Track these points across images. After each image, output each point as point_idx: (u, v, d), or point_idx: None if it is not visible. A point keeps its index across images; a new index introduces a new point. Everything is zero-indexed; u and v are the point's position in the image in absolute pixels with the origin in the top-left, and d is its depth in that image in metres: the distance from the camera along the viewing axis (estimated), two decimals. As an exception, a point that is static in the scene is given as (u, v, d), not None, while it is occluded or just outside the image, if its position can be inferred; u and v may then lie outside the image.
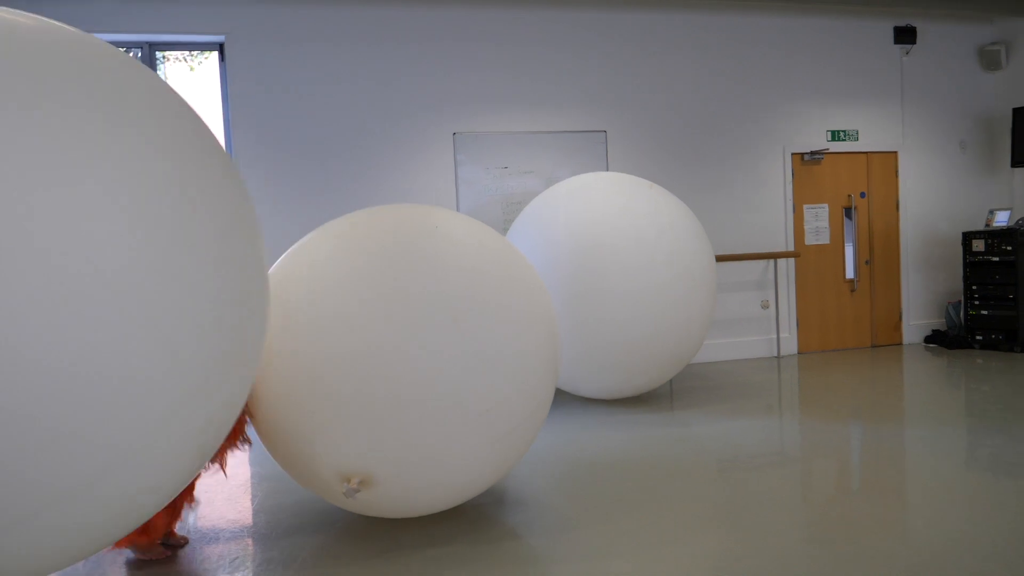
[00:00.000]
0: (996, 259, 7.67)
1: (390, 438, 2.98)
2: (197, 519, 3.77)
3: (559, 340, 3.60)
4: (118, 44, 6.94)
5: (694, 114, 7.67)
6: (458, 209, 7.05)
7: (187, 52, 15.96)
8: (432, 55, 7.01)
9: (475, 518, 3.56)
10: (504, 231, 7.10)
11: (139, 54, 6.60)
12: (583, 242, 5.25)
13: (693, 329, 5.43)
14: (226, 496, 4.14)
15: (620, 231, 5.25)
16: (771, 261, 7.88)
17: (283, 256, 3.50)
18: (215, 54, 6.83)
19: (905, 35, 8.20)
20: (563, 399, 6.14)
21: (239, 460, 4.81)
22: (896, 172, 8.34)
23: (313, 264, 3.25)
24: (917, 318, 8.48)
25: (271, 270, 3.49)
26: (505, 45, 7.18)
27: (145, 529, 3.11)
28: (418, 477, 3.08)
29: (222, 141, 6.79)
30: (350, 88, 6.83)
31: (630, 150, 7.48)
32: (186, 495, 3.29)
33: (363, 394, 2.94)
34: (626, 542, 3.21)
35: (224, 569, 3.15)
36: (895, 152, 8.32)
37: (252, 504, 4.01)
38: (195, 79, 18.29)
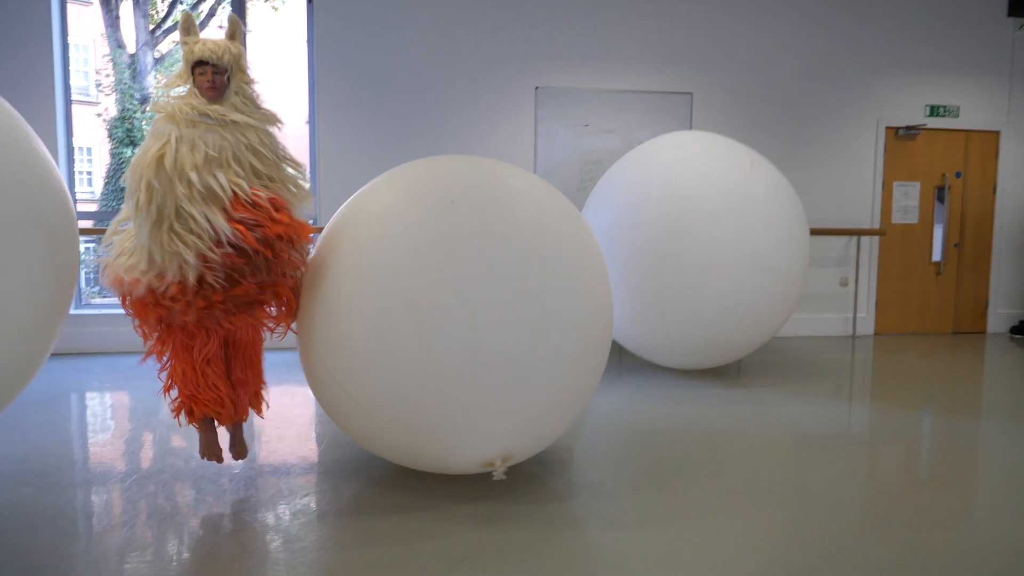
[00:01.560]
0: (1097, 251, 7.27)
1: (451, 393, 2.96)
2: (259, 448, 3.84)
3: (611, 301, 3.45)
4: (209, -20, 6.97)
5: (784, 80, 7.39)
6: (535, 165, 6.95)
7: (273, -7, 15.98)
8: (519, 7, 6.88)
9: (526, 480, 3.52)
10: (581, 189, 6.99)
11: (229, -9, 6.61)
12: (672, 206, 5.10)
13: (781, 304, 5.26)
14: (292, 433, 4.19)
15: (712, 197, 5.07)
16: (854, 237, 7.61)
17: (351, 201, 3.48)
18: (303, -5, 6.81)
19: (1020, 8, 7.73)
20: (634, 365, 6.05)
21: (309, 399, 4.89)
22: (996, 153, 7.93)
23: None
24: (1005, 307, 8.12)
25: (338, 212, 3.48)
26: (592, 0, 7.00)
27: (220, 403, 3.19)
28: (473, 434, 3.06)
29: (306, 82, 6.80)
30: (435, 36, 6.75)
31: (715, 114, 7.26)
32: (247, 393, 3.34)
33: (423, 347, 2.91)
34: (675, 513, 3.14)
35: (259, 508, 3.19)
36: (997, 132, 7.91)
37: (309, 444, 4.06)
38: (278, 19, 18.34)
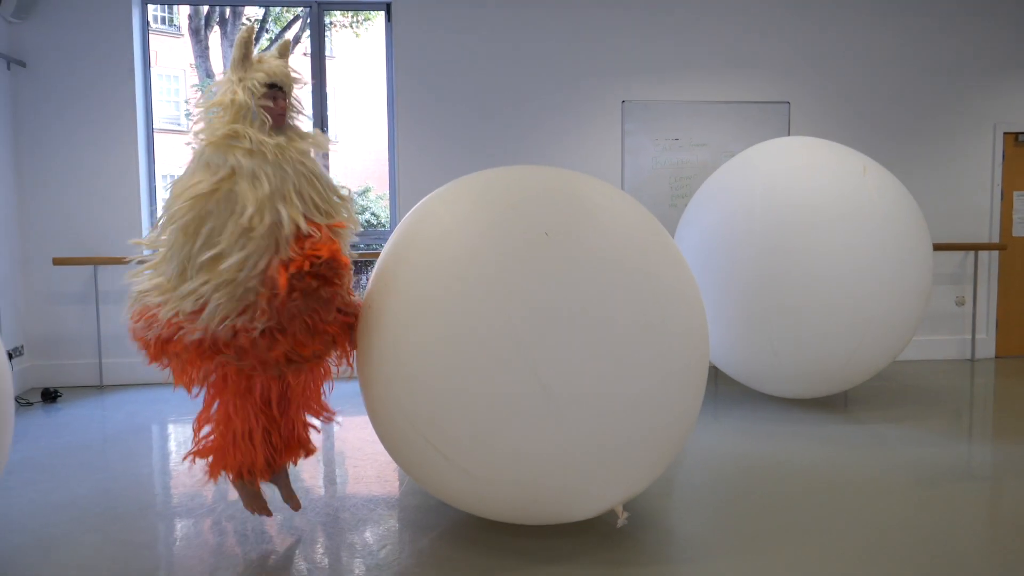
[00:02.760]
0: None
1: (574, 443, 2.67)
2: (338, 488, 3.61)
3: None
4: (285, 5, 6.91)
5: (888, 86, 6.89)
6: (622, 181, 6.63)
7: (353, 17, 16.16)
8: (603, 18, 6.59)
9: (606, 532, 3.18)
10: (672, 207, 6.63)
11: (307, 14, 6.52)
12: (778, 217, 4.70)
13: (903, 326, 4.79)
14: (372, 472, 3.97)
15: (823, 206, 4.65)
16: (971, 252, 7.02)
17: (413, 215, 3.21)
18: (382, 15, 6.66)
19: None
20: (732, 392, 5.65)
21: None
22: None
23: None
24: None
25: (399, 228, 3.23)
26: (679, 7, 6.65)
27: (250, 460, 2.91)
28: (552, 481, 2.74)
29: (386, 101, 6.65)
30: (517, 51, 6.52)
31: (815, 123, 6.81)
32: (298, 443, 3.08)
33: (485, 373, 2.64)
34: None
35: (334, 559, 2.95)
36: None
37: (390, 484, 3.82)
38: (360, 44, 18.52)
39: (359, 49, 20.32)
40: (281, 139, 2.84)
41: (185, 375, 2.84)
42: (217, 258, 2.68)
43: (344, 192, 3.04)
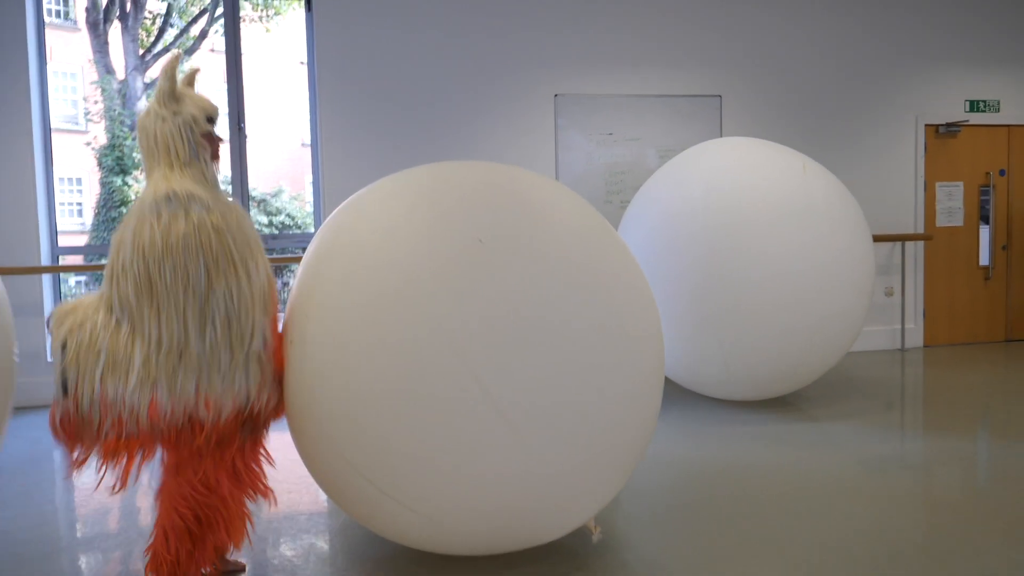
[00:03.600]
0: None
1: (539, 465, 2.44)
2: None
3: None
4: (199, -8, 6.49)
5: (817, 79, 6.92)
6: (557, 178, 6.46)
7: (263, 11, 15.57)
8: (534, 10, 6.40)
9: (560, 557, 2.98)
10: (607, 203, 6.49)
11: (221, 6, 6.13)
12: (721, 219, 4.59)
13: (852, 320, 4.75)
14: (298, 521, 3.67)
15: (766, 206, 4.56)
16: (898, 244, 7.11)
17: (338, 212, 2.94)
18: (294, 7, 6.30)
19: (1061, -6, 7.28)
20: (679, 397, 5.52)
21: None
22: (1042, 148, 7.46)
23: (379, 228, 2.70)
24: (1057, 312, 7.62)
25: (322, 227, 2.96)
26: (610, 1, 6.53)
27: (191, 551, 2.55)
28: (502, 507, 2.52)
29: (308, 97, 6.31)
30: (445, 43, 6.27)
31: (746, 117, 6.78)
32: (239, 518, 2.73)
33: (432, 400, 2.39)
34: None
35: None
36: (1042, 126, 7.43)
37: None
38: (270, 40, 17.95)
39: (268, 45, 19.67)
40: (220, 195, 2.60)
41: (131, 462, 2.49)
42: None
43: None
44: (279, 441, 2.87)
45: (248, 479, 2.66)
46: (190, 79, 2.68)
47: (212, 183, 2.57)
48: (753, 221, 4.54)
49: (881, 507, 3.32)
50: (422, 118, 6.26)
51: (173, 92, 2.57)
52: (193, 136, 2.54)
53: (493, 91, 6.36)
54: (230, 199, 2.62)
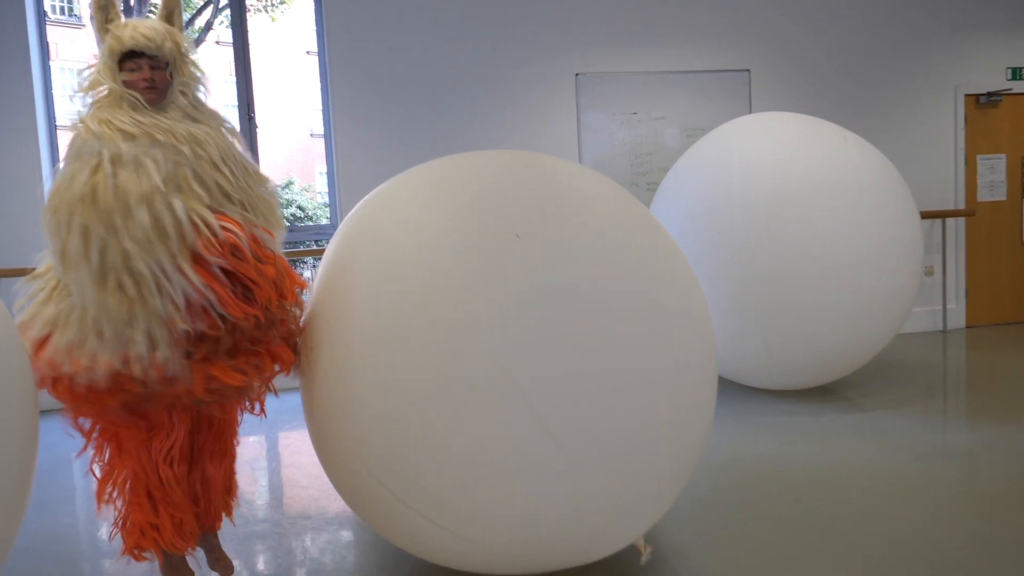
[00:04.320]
0: None
1: (588, 484, 2.20)
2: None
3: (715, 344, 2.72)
4: (203, -23, 6.24)
5: (849, 50, 6.59)
6: (580, 160, 6.19)
7: (268, 1, 15.27)
8: (551, -16, 6.11)
9: (607, 574, 2.74)
10: (633, 185, 6.22)
11: (226, -13, 5.87)
12: (761, 198, 4.31)
13: (901, 302, 4.46)
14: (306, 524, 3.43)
15: (807, 183, 4.28)
16: (938, 220, 6.79)
17: (359, 208, 2.71)
18: (309, -14, 6.06)
19: (1105, -48, 6.91)
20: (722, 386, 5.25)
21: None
22: (1086, 116, 7.11)
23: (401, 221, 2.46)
24: (1105, 287, 7.29)
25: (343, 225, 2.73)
26: (633, -29, 6.22)
27: (178, 526, 2.36)
28: (546, 526, 2.27)
29: (319, 85, 6.05)
30: (459, 23, 5.98)
31: (777, 91, 6.47)
32: (219, 492, 2.52)
33: (471, 414, 2.15)
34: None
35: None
36: (1086, 92, 7.08)
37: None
38: (275, 29, 17.65)
39: (274, 35, 19.44)
40: (164, 120, 2.27)
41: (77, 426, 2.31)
42: (103, 275, 2.11)
43: (268, 179, 2.48)
44: (300, 442, 2.65)
45: (210, 460, 2.44)
46: (165, 10, 2.44)
47: (150, 125, 2.26)
48: (793, 200, 4.27)
49: (941, 503, 3.06)
50: (438, 102, 5.99)
51: (100, 29, 2.39)
52: (115, 76, 2.32)
53: (510, 72, 6.08)
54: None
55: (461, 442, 2.15)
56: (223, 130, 2.39)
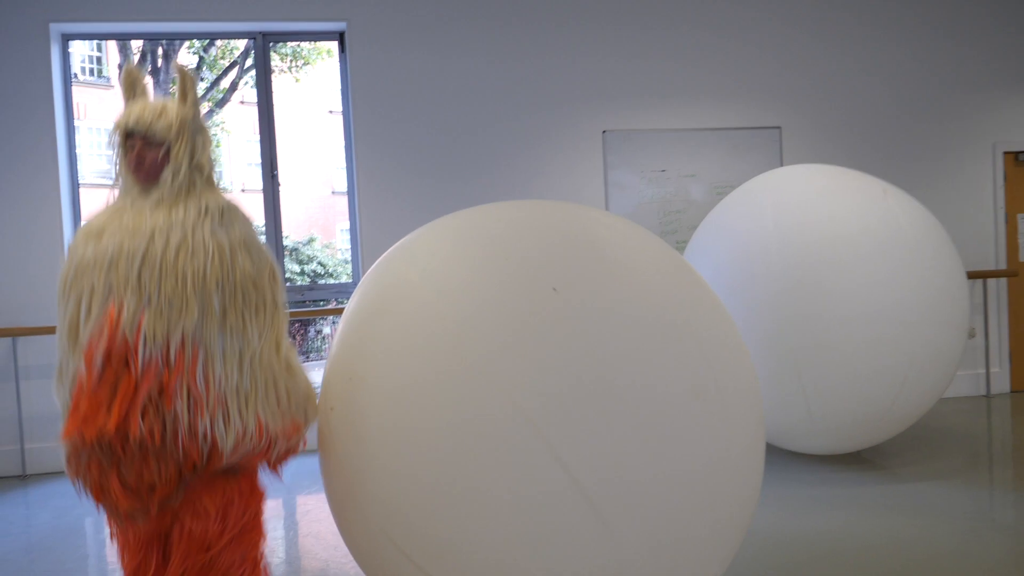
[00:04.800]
0: None
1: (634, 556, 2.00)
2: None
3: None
4: (228, 34, 6.25)
5: (884, 108, 6.46)
6: (608, 219, 6.04)
7: (291, 61, 15.50)
8: (578, 41, 6.05)
9: None
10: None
11: (252, 45, 5.85)
12: (799, 252, 4.15)
13: (947, 362, 4.25)
14: None
15: (848, 236, 4.11)
16: (978, 280, 6.57)
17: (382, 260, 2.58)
18: (324, 57, 6.02)
19: None
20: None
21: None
22: None
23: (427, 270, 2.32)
24: None
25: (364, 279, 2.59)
26: (660, 29, 6.16)
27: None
28: None
29: (343, 139, 5.99)
30: (485, 79, 5.92)
31: (808, 149, 6.34)
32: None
33: (503, 480, 1.98)
34: None
35: None
36: None
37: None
38: (298, 90, 17.87)
39: (297, 95, 19.68)
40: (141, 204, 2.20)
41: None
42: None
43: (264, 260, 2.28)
44: (318, 509, 2.47)
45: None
46: (180, 87, 2.32)
47: (122, 206, 2.22)
48: (833, 253, 4.10)
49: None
50: (462, 161, 5.89)
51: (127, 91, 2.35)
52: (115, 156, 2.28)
53: (537, 129, 5.99)
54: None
55: (492, 508, 1.98)
56: (210, 222, 2.19)
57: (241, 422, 2.09)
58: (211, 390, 2.05)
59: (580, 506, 1.96)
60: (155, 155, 2.20)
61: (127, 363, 2.00)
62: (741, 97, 6.26)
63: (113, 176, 2.27)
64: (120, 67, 13.63)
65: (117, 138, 2.25)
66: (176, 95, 2.29)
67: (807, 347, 4.08)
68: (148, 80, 2.51)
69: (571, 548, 1.99)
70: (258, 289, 2.19)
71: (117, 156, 2.25)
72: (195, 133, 2.28)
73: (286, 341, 2.28)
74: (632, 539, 2.01)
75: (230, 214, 2.24)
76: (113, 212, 2.19)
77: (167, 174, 2.21)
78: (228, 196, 2.31)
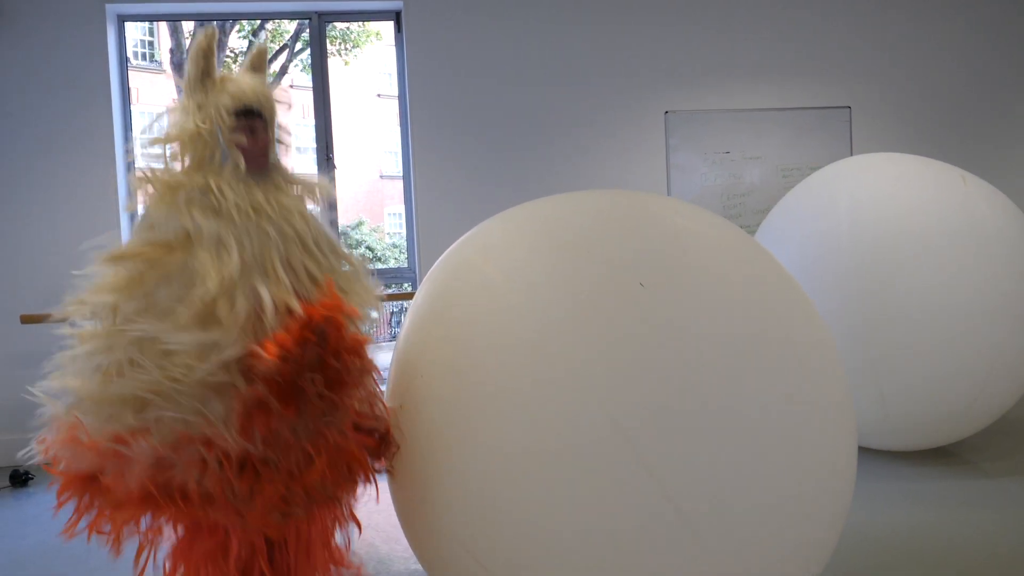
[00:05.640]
0: None
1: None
2: None
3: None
4: (284, 14, 6.18)
5: (960, 87, 6.16)
6: (669, 203, 5.87)
7: (341, 44, 15.46)
8: (639, 22, 5.85)
9: None
10: (725, 229, 5.86)
11: (307, 25, 5.76)
12: (876, 242, 3.95)
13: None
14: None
15: (927, 225, 3.91)
16: (1059, 267, 6.25)
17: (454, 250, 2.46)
18: (375, 37, 5.92)
19: None
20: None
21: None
22: None
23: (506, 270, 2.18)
24: None
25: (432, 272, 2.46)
26: (725, 5, 5.93)
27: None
28: None
29: (399, 123, 5.89)
30: (543, 60, 5.76)
31: (880, 130, 6.07)
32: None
33: (586, 487, 1.86)
34: None
35: None
36: None
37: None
38: (349, 73, 17.86)
39: (346, 78, 19.68)
40: (258, 192, 2.00)
41: (116, 528, 1.95)
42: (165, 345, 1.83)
43: (356, 257, 2.22)
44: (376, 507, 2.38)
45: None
46: (256, 60, 2.16)
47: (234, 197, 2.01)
48: (911, 246, 3.89)
49: None
50: (520, 143, 5.75)
51: (200, 78, 2.07)
52: (222, 135, 2.02)
53: (597, 110, 5.82)
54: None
55: (575, 517, 1.86)
56: (313, 199, 2.13)
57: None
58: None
59: (666, 512, 1.84)
60: (266, 137, 2.08)
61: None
62: (808, 76, 6.02)
63: (220, 159, 2.06)
64: (171, 52, 13.70)
65: (228, 116, 2.04)
66: (249, 67, 2.16)
67: (883, 344, 3.90)
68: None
69: (654, 555, 1.87)
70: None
71: (218, 129, 2.04)
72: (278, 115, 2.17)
73: None
74: (721, 547, 1.89)
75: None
76: (244, 188, 2.02)
77: (274, 157, 2.10)
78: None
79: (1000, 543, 3.22)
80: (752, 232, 5.60)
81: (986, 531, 3.34)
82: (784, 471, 1.95)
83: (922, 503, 3.74)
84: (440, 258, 2.53)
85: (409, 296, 5.59)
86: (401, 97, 5.82)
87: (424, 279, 2.50)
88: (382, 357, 2.30)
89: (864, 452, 4.57)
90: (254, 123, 2.03)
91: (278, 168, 2.12)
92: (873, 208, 4.06)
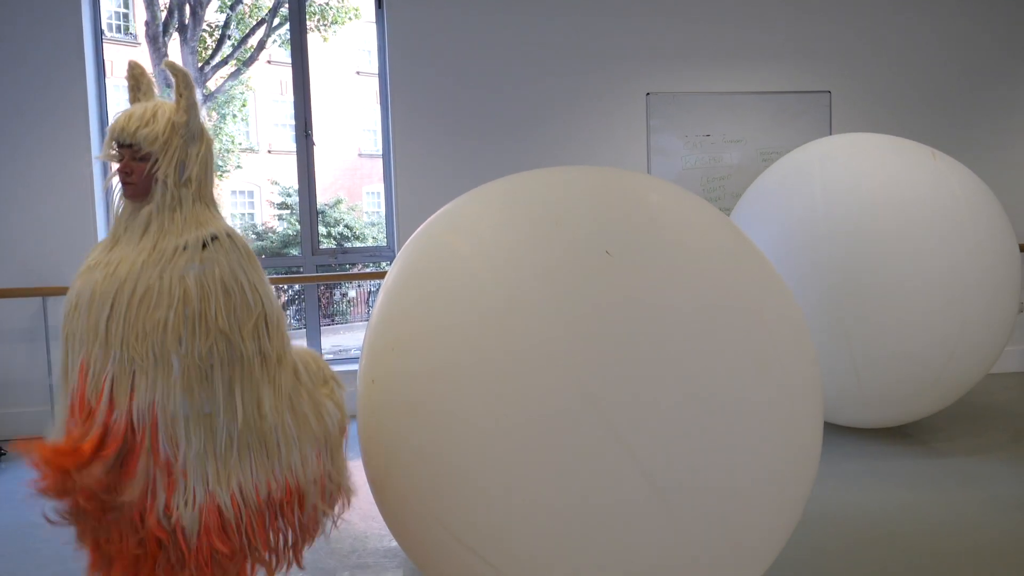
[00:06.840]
0: None
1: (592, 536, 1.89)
2: None
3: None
4: (263, -10, 6.08)
5: (939, 73, 6.21)
6: (649, 184, 5.88)
7: (319, 19, 15.25)
8: (623, 1, 5.83)
9: None
10: (704, 212, 5.89)
11: (278, 17, 5.69)
12: (849, 219, 4.03)
13: (997, 333, 4.15)
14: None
15: (899, 210, 3.98)
16: (1030, 254, 6.35)
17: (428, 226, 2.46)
18: (361, 10, 5.86)
19: None
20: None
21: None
22: None
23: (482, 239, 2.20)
24: None
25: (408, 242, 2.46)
26: (708, -13, 5.93)
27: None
28: None
29: (379, 100, 5.84)
30: (525, 39, 5.73)
31: (859, 115, 6.11)
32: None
33: (550, 453, 1.89)
34: None
35: None
36: None
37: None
38: (327, 50, 17.68)
39: (324, 55, 19.47)
40: (136, 238, 2.01)
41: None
42: None
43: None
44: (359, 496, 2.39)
45: None
46: (177, 85, 2.02)
47: (118, 230, 2.08)
48: (882, 223, 3.99)
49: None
50: (501, 123, 5.73)
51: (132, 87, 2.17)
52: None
53: (579, 90, 5.81)
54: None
55: (546, 487, 1.88)
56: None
57: (206, 495, 1.89)
58: (178, 459, 1.88)
59: (636, 481, 1.87)
60: (142, 168, 1.97)
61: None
62: (789, 60, 6.04)
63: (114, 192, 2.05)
64: (147, 24, 13.49)
65: (108, 149, 2.02)
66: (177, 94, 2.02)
67: (855, 317, 3.99)
68: (153, 79, 2.32)
69: (624, 523, 1.90)
70: (232, 345, 1.93)
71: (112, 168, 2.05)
72: (188, 142, 1.99)
73: (287, 390, 2.06)
74: (689, 515, 1.93)
75: (217, 247, 1.97)
76: (110, 238, 2.04)
77: (155, 191, 1.99)
78: (223, 224, 2.06)
79: (965, 519, 3.29)
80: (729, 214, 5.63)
81: (959, 509, 3.42)
82: (753, 442, 1.98)
83: (886, 479, 3.86)
84: (412, 235, 2.53)
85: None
86: (381, 75, 5.78)
87: (397, 256, 2.50)
88: (354, 336, 2.29)
89: (831, 429, 4.65)
90: (123, 152, 1.99)
91: (166, 202, 1.99)
92: (845, 185, 4.14)
